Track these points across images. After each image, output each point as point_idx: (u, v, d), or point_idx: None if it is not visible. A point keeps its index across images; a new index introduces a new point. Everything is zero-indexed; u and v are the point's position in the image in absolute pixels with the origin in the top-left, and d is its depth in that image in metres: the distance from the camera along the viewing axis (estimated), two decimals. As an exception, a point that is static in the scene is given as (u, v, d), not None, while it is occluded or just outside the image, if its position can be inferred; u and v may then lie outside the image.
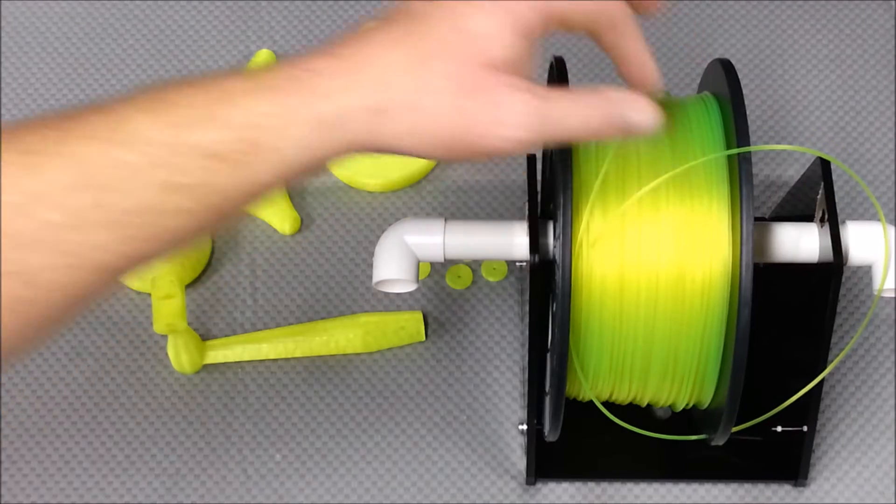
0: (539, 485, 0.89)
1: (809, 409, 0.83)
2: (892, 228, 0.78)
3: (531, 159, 0.82)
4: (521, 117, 0.60)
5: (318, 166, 0.61)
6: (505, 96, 0.60)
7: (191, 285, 0.95)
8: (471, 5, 0.61)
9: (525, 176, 0.87)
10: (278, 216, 0.97)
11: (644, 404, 0.82)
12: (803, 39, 1.06)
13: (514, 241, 0.78)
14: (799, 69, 1.05)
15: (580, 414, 0.83)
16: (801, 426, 0.84)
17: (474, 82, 0.60)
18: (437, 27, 0.61)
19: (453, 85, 0.60)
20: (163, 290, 0.86)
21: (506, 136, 0.61)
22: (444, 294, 0.96)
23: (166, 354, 0.92)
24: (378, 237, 0.79)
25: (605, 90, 0.63)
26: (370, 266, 0.84)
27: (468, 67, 0.60)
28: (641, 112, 0.63)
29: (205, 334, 0.94)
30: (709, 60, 0.81)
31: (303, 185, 0.99)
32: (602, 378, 0.78)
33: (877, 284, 0.77)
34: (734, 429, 0.78)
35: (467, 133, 0.61)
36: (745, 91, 0.81)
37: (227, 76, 0.62)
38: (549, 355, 0.79)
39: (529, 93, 0.61)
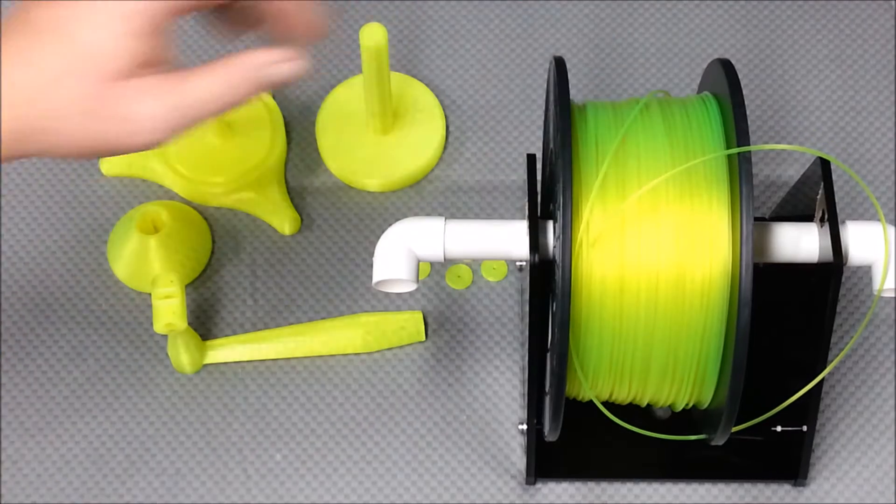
0: (539, 485, 0.89)
1: (809, 409, 0.83)
2: (892, 228, 0.78)
3: (531, 159, 0.82)
4: (151, 122, 0.63)
5: None
6: (133, 107, 0.63)
7: (191, 285, 0.95)
8: (87, 16, 0.63)
9: (525, 176, 0.87)
10: (278, 216, 0.97)
11: (644, 404, 0.82)
12: (803, 39, 1.06)
13: (514, 241, 0.78)
14: (799, 69, 1.05)
15: (580, 414, 0.83)
16: (801, 426, 0.84)
17: (101, 100, 0.63)
18: (59, 43, 0.63)
19: (81, 107, 0.63)
20: (163, 290, 0.86)
21: (140, 143, 0.64)
22: (444, 294, 0.96)
23: (166, 354, 0.93)
24: (378, 237, 0.79)
25: (238, 57, 0.65)
26: (370, 266, 0.84)
27: (93, 85, 0.62)
28: (280, 65, 0.66)
29: (205, 334, 0.94)
30: (709, 60, 0.81)
31: (303, 185, 0.99)
32: (602, 378, 0.78)
33: (877, 284, 0.77)
34: (734, 429, 0.78)
35: (104, 145, 0.64)
36: (745, 91, 0.81)
37: None
38: (549, 355, 0.79)
39: (157, 95, 0.63)
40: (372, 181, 0.99)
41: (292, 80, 0.65)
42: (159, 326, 0.86)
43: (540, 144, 1.01)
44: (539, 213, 0.78)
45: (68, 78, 0.63)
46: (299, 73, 0.66)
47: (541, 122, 1.02)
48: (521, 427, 0.86)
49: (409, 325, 0.93)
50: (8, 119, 0.63)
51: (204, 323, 0.94)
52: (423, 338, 0.94)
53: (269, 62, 0.65)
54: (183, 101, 0.64)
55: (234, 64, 0.65)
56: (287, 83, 0.67)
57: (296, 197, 0.99)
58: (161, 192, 0.99)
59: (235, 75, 0.65)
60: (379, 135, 1.00)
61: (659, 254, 0.74)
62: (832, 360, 0.79)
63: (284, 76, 0.66)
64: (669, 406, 0.82)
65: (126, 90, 0.63)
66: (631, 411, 0.83)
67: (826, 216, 0.77)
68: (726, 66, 0.77)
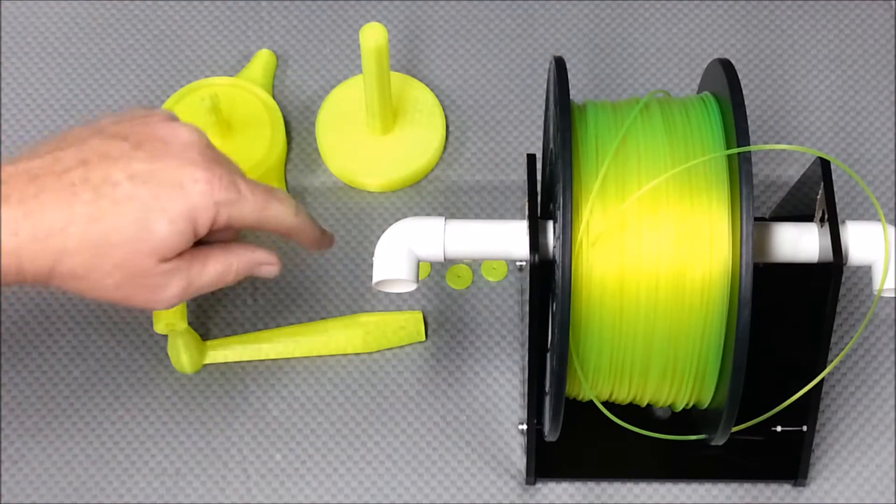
0: (539, 485, 0.89)
1: (809, 409, 0.83)
2: (892, 228, 0.78)
3: (531, 159, 0.82)
4: (173, 296, 0.75)
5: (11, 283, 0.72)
6: (163, 283, 0.74)
7: (191, 285, 0.95)
8: (162, 202, 0.72)
9: (525, 176, 0.87)
10: (278, 216, 0.97)
11: (644, 404, 0.82)
12: (803, 39, 1.06)
13: (514, 241, 0.78)
14: (799, 69, 1.05)
15: (580, 414, 0.83)
16: (801, 426, 0.84)
17: (139, 272, 0.73)
18: (123, 218, 0.72)
19: (120, 273, 0.72)
20: (163, 290, 0.86)
21: (161, 307, 0.76)
22: (444, 294, 0.96)
23: (166, 354, 0.93)
24: (378, 237, 0.79)
25: (239, 251, 0.78)
26: (370, 266, 0.84)
27: (138, 258, 0.72)
28: (266, 266, 0.79)
29: (205, 334, 0.94)
30: (709, 60, 0.81)
31: (303, 185, 0.99)
32: (602, 378, 0.78)
33: (877, 284, 0.77)
34: (734, 429, 0.78)
35: (127, 304, 0.75)
36: (745, 91, 0.81)
37: None
38: (549, 355, 0.79)
39: (180, 273, 0.75)
40: (372, 181, 0.99)
41: (269, 278, 0.80)
42: (159, 326, 0.86)
43: (540, 144, 1.01)
44: (539, 213, 0.78)
45: (119, 244, 0.72)
46: (275, 275, 0.80)
47: (541, 122, 1.02)
48: (521, 427, 0.86)
49: (409, 325, 0.93)
50: (50, 259, 0.71)
51: (204, 323, 0.94)
52: (423, 338, 0.94)
53: (259, 262, 0.78)
54: (197, 281, 0.76)
55: (236, 255, 0.77)
56: (261, 277, 0.81)
57: (296, 197, 0.99)
58: (161, 192, 0.98)
59: (234, 265, 0.77)
60: (379, 135, 1.00)
61: (659, 254, 0.74)
62: (832, 360, 0.79)
63: (265, 274, 0.79)
64: (669, 406, 0.82)
65: (161, 270, 0.73)
66: (631, 411, 0.83)
67: (826, 216, 0.77)
68: (726, 66, 0.77)
